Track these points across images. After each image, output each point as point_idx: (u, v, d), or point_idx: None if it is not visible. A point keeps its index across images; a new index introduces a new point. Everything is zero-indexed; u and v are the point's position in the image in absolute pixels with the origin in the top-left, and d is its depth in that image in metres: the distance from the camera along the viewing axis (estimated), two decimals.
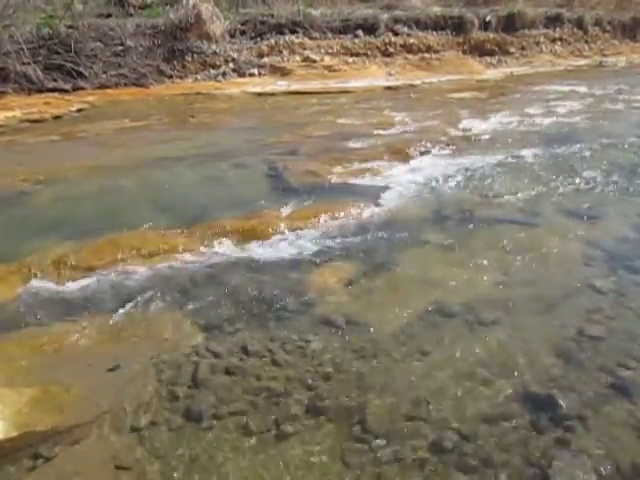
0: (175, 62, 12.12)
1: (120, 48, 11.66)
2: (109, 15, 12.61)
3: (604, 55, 16.57)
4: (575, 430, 2.31)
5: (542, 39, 16.07)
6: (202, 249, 4.00)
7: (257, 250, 4.00)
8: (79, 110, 9.43)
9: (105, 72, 11.25)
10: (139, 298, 3.37)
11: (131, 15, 12.89)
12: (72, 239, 4.09)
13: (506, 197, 4.99)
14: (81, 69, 10.97)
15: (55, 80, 10.68)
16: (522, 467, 2.14)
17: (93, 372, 2.75)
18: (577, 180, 5.40)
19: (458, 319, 3.12)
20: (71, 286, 3.53)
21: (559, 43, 16.42)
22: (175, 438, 2.33)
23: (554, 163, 5.92)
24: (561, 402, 2.44)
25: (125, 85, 11.26)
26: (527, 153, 6.27)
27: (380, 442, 2.26)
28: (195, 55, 12.30)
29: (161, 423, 2.41)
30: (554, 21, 16.42)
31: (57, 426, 2.38)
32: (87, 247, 3.97)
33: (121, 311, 3.24)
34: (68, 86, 10.67)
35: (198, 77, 12.07)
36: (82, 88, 10.79)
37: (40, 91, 10.32)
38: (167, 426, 2.39)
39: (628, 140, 6.90)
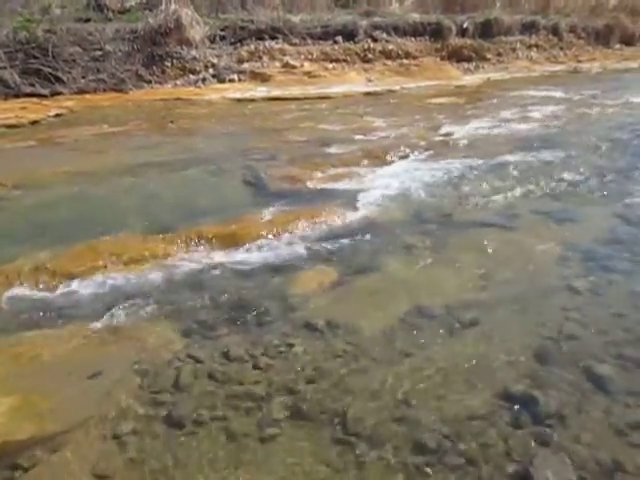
0: (154, 67, 12.02)
1: (99, 53, 11.54)
2: (88, 20, 12.47)
3: (579, 61, 16.89)
4: (555, 427, 2.35)
5: (518, 45, 16.31)
6: (182, 255, 3.98)
7: (238, 255, 3.99)
8: (57, 115, 9.31)
9: (84, 77, 11.12)
10: (119, 304, 3.34)
11: (110, 20, 12.75)
12: (51, 245, 4.03)
13: (484, 200, 5.06)
14: (59, 74, 10.84)
15: (32, 85, 10.53)
16: (504, 465, 2.17)
17: (73, 380, 2.72)
18: (554, 183, 5.50)
19: (439, 321, 3.16)
20: (50, 293, 3.49)
21: (535, 49, 16.69)
22: (157, 445, 2.31)
23: (531, 167, 6.02)
24: (541, 400, 2.49)
25: (104, 90, 11.13)
26: (505, 157, 6.36)
27: (363, 444, 2.28)
28: (175, 60, 12.23)
29: (143, 430, 2.39)
30: (530, 28, 16.68)
31: (36, 435, 2.35)
32: (66, 253, 3.92)
33: (101, 318, 3.21)
34: (46, 91, 10.52)
35: (178, 83, 12.00)
36: (60, 93, 10.65)
37: (17, 96, 10.16)
38: (149, 433, 2.38)
39: (603, 144, 7.04)
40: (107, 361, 2.85)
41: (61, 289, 3.53)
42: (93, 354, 2.92)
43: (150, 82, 11.79)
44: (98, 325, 3.15)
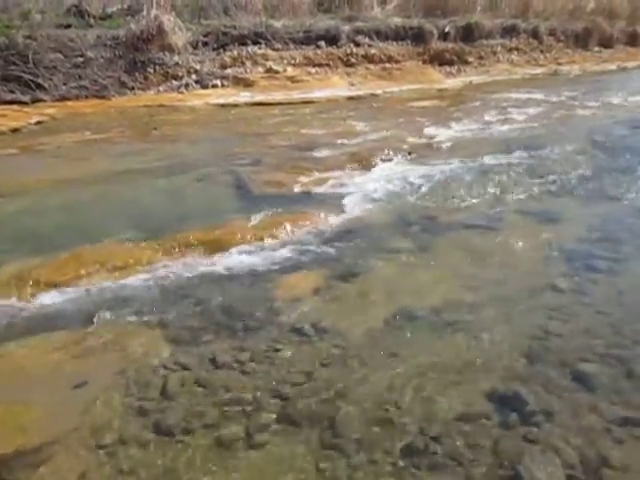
0: (137, 74, 11.93)
1: (80, 59, 11.42)
2: (68, 26, 12.33)
3: (559, 64, 17.11)
4: (542, 425, 2.38)
5: (499, 49, 16.48)
6: (167, 262, 3.95)
7: (223, 261, 3.98)
8: (38, 123, 9.20)
9: (65, 84, 11.00)
10: (104, 313, 3.30)
11: (91, 26, 12.63)
12: (34, 255, 3.98)
13: (468, 202, 5.10)
14: (40, 81, 10.71)
15: (12, 92, 10.39)
16: (493, 464, 2.19)
17: (58, 390, 2.68)
18: (536, 184, 5.56)
19: (425, 322, 3.17)
20: (33, 303, 3.43)
21: (515, 52, 16.87)
22: (145, 454, 2.29)
23: (514, 168, 6.08)
24: (527, 399, 2.51)
25: (86, 97, 11.01)
26: (487, 159, 6.42)
27: (353, 447, 2.28)
28: (157, 67, 12.14)
29: (130, 439, 2.36)
30: (510, 31, 16.87)
31: (21, 447, 2.31)
32: (50, 263, 3.87)
33: (86, 327, 3.17)
34: (26, 98, 10.38)
35: (160, 89, 11.92)
36: (41, 100, 10.51)
37: None
38: (136, 442, 2.35)
39: (584, 144, 7.14)
40: (92, 370, 2.82)
41: (45, 298, 3.48)
42: (78, 364, 2.88)
43: (133, 88, 11.70)
44: (83, 334, 3.11)
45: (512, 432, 2.35)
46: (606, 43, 19.22)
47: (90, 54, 11.52)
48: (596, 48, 18.95)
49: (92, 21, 12.88)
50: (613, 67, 17.37)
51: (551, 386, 2.62)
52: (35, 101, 10.45)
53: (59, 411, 2.53)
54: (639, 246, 4.17)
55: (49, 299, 3.47)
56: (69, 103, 10.66)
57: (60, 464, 2.25)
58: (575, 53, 18.20)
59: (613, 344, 2.95)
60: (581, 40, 18.55)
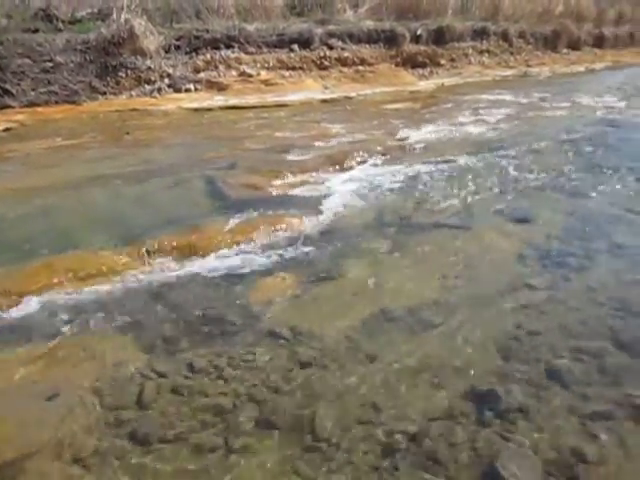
0: (108, 78, 11.78)
1: (50, 64, 11.22)
2: (36, 30, 12.12)
3: (529, 66, 17.44)
4: (518, 422, 2.41)
5: (470, 51, 16.71)
6: (142, 268, 3.91)
7: (199, 266, 3.94)
8: (6, 129, 9.00)
9: (34, 89, 10.80)
10: (77, 322, 3.24)
11: (60, 30, 12.42)
12: (3, 264, 3.90)
13: (442, 202, 5.15)
14: (7, 86, 10.50)
15: None
16: (471, 462, 2.21)
17: (30, 403, 2.62)
18: (509, 183, 5.64)
19: (402, 323, 3.19)
20: (3, 313, 3.36)
21: (486, 55, 17.14)
22: (122, 465, 2.25)
23: (486, 168, 6.17)
24: (503, 396, 2.54)
25: (56, 102, 10.83)
26: (460, 159, 6.50)
27: (332, 449, 2.28)
28: (129, 71, 12.00)
29: (106, 450, 2.32)
30: (481, 34, 17.14)
31: None
32: (20, 272, 3.79)
33: (59, 337, 3.11)
34: None
35: (133, 93, 11.78)
36: (9, 106, 10.30)
37: None
38: (113, 453, 2.31)
39: (554, 144, 7.29)
40: (65, 381, 2.76)
41: (15, 308, 3.40)
42: (50, 375, 2.82)
43: (104, 93, 11.54)
44: (55, 344, 3.05)
45: (489, 429, 2.37)
46: (574, 45, 19.70)
47: (59, 59, 11.33)
48: (565, 50, 19.41)
49: (61, 25, 12.67)
50: (581, 69, 17.78)
51: (527, 383, 2.66)
52: (3, 107, 10.25)
53: (32, 424, 2.47)
54: (609, 243, 4.25)
55: (19, 309, 3.40)
56: (39, 109, 10.47)
57: (34, 479, 2.19)
58: (544, 55, 18.59)
59: (585, 340, 3.00)
60: (550, 42, 18.97)
